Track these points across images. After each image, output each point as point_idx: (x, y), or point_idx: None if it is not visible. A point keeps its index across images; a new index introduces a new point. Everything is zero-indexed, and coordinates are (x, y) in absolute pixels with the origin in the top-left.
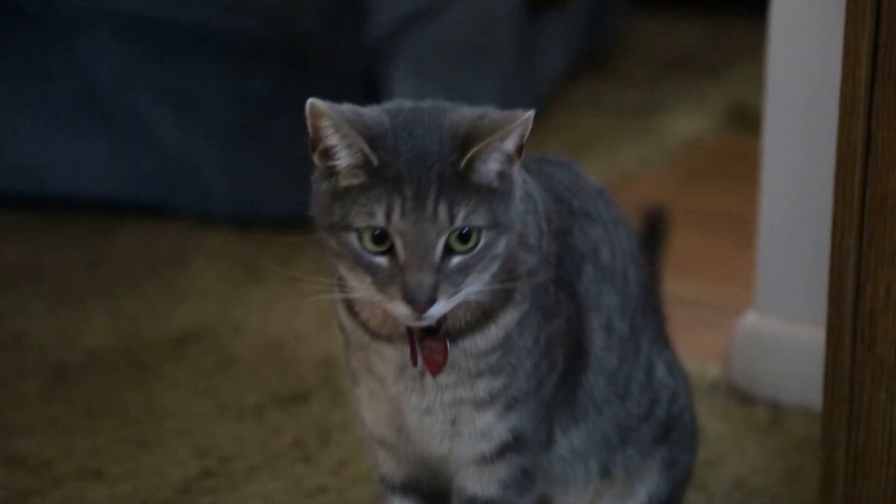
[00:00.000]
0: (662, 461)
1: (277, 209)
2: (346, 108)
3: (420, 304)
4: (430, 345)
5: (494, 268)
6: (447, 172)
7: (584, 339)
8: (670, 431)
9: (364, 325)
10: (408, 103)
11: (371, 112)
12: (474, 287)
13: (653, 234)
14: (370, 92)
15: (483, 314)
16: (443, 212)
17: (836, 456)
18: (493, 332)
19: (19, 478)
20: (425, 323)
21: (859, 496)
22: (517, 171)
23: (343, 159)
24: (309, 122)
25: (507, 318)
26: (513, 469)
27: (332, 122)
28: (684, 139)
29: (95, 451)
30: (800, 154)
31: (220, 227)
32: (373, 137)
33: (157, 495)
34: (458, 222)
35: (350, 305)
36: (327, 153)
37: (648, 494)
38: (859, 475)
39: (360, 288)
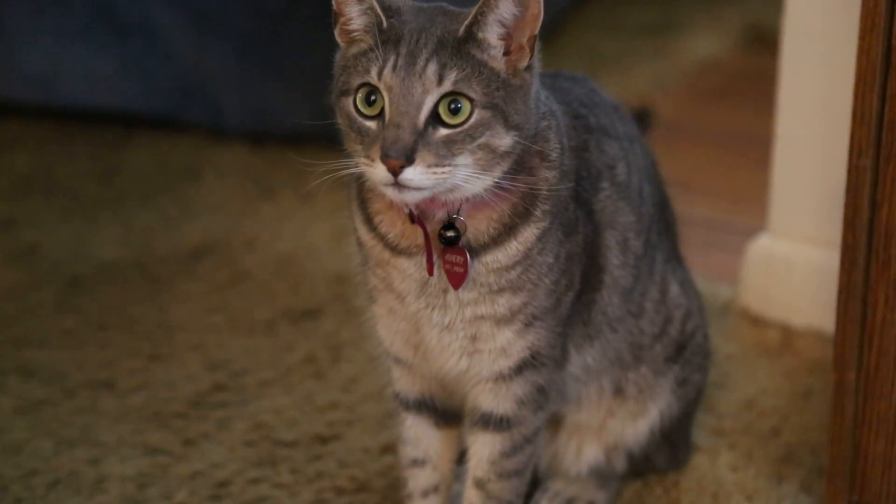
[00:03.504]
0: (675, 380)
1: (290, 125)
2: None
3: (394, 160)
4: (451, 257)
5: (496, 164)
6: (447, 38)
7: (600, 256)
8: (683, 350)
9: (383, 239)
10: None
11: None
12: (464, 172)
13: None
14: None
15: (504, 229)
16: (431, 70)
17: (847, 377)
18: (514, 248)
19: (32, 387)
20: (407, 198)
21: (870, 417)
22: (534, 75)
23: (356, 19)
24: None
25: (528, 234)
26: (528, 386)
27: None
28: (700, 59)
29: (108, 362)
30: (817, 73)
31: (233, 142)
32: (389, 7)
33: (168, 407)
34: (447, 85)
35: (369, 219)
36: (342, 15)
37: (660, 412)
38: (870, 396)
39: (358, 160)
